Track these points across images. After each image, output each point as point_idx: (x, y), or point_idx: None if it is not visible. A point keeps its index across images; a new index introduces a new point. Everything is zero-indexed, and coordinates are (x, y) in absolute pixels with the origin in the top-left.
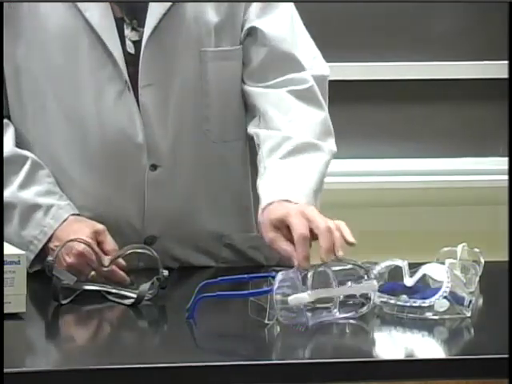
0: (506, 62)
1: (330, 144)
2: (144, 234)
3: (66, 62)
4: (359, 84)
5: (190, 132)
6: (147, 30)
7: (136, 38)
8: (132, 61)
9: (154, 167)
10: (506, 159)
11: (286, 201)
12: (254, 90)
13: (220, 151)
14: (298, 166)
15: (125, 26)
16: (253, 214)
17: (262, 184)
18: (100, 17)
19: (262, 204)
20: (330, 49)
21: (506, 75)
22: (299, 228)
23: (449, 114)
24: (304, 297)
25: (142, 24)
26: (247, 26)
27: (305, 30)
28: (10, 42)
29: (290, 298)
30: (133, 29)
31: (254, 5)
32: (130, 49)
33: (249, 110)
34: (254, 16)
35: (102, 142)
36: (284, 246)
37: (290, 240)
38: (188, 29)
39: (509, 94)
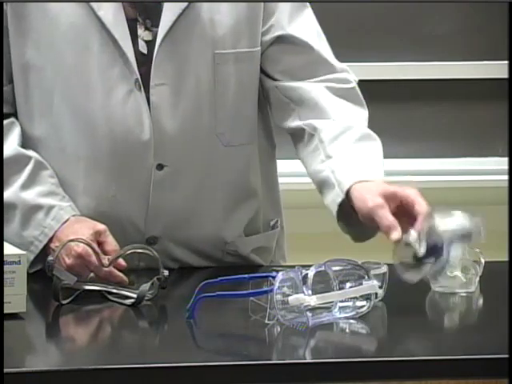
0: (506, 62)
1: None
2: (146, 234)
3: (76, 60)
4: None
5: (201, 134)
6: (162, 29)
7: (149, 37)
8: (144, 60)
9: (160, 167)
10: (505, 159)
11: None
12: (291, 84)
13: (229, 155)
14: (367, 151)
15: (138, 26)
16: (258, 218)
17: (337, 166)
18: (113, 16)
19: (352, 180)
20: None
21: (506, 75)
22: (424, 205)
23: (449, 114)
24: (308, 301)
25: (155, 24)
26: (277, 33)
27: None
28: (19, 39)
29: (290, 298)
30: (146, 28)
31: (281, 11)
32: (143, 48)
33: (283, 104)
34: (283, 23)
35: (110, 140)
36: (389, 215)
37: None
38: (203, 30)
39: (509, 94)
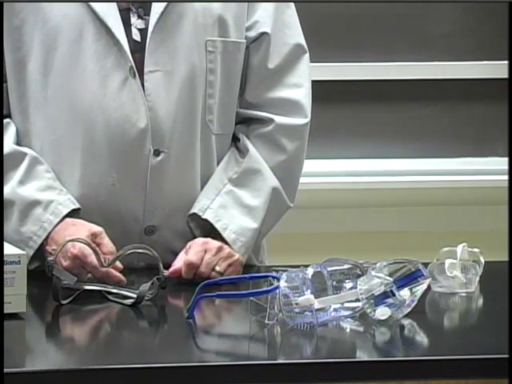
0: (506, 62)
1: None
2: (144, 224)
3: (70, 50)
4: (359, 84)
5: (195, 120)
6: (153, 16)
7: (142, 25)
8: (138, 48)
9: (157, 152)
10: (505, 159)
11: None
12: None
13: (220, 143)
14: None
15: (131, 15)
16: None
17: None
18: (105, 5)
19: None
20: (330, 49)
21: (506, 75)
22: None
23: (449, 113)
24: (315, 302)
25: (148, 12)
26: (260, 29)
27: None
28: (12, 36)
29: (300, 299)
30: (139, 17)
31: (265, 9)
32: (136, 36)
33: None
34: (267, 20)
35: (106, 128)
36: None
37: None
38: (194, 17)
39: (509, 94)
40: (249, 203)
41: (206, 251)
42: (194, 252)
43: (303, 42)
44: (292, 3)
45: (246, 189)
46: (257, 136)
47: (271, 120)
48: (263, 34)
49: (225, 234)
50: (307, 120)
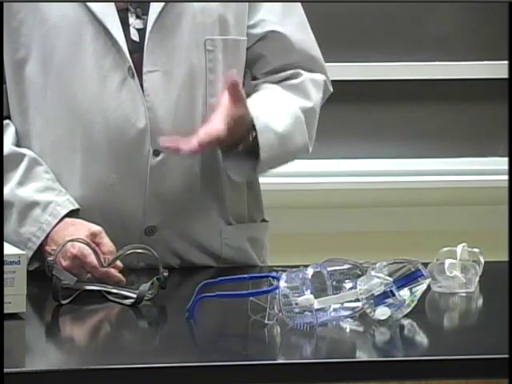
0: (506, 62)
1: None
2: (144, 224)
3: (68, 51)
4: (359, 84)
5: (194, 120)
6: (152, 15)
7: (141, 25)
8: (136, 48)
9: (156, 153)
10: (505, 159)
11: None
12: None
13: None
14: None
15: (129, 15)
16: (253, 205)
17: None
18: (103, 6)
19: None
20: (330, 49)
21: (506, 75)
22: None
23: (449, 113)
24: (315, 302)
25: (146, 12)
26: (267, 27)
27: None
28: (11, 37)
29: (300, 299)
30: (137, 17)
31: (271, 7)
32: (135, 36)
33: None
34: (275, 19)
35: (105, 128)
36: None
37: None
38: (193, 17)
39: (509, 94)
40: (276, 108)
41: (230, 134)
42: (223, 127)
43: (313, 38)
44: (299, 3)
45: (272, 103)
46: (285, 86)
47: (300, 74)
48: (272, 31)
49: (255, 121)
50: (326, 77)
